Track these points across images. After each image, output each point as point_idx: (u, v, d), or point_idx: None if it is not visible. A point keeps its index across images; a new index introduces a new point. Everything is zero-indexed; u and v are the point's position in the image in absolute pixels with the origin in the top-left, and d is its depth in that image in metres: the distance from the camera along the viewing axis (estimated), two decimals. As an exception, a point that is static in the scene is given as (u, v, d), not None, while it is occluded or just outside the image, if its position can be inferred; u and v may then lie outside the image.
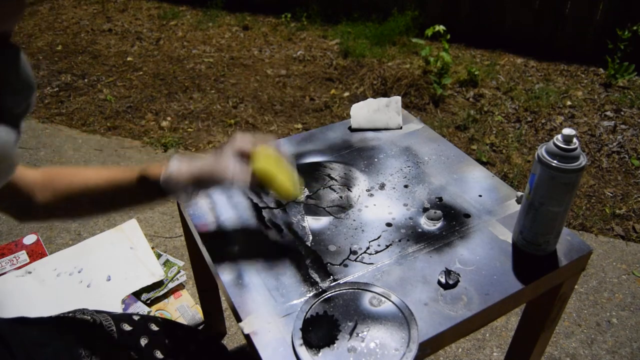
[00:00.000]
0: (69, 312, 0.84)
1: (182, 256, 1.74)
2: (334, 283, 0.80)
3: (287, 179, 0.79)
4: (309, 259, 0.85)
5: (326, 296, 0.77)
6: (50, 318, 0.82)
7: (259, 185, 0.79)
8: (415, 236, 0.90)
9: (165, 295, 1.56)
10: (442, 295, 0.78)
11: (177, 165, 0.77)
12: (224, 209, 0.97)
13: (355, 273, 0.82)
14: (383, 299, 0.76)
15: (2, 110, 0.44)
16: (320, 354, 0.69)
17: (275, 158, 0.80)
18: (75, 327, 0.81)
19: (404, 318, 0.73)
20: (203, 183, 0.78)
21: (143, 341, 0.84)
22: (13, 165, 0.46)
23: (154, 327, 0.88)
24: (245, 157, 0.79)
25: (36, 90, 0.50)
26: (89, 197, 0.79)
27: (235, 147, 0.78)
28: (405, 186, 1.02)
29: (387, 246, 0.88)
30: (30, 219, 0.81)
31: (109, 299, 1.50)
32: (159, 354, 0.83)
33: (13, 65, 0.44)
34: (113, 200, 0.81)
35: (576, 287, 1.65)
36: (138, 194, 0.80)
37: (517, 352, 1.12)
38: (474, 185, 1.02)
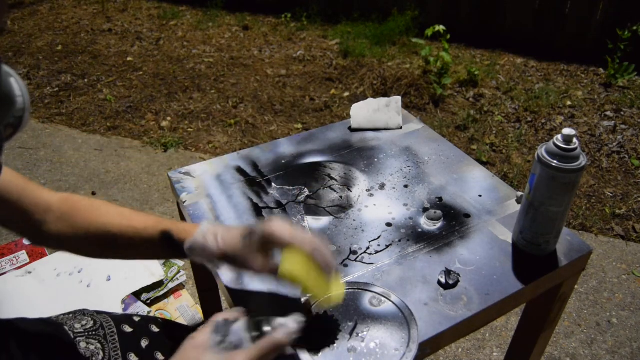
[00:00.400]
0: (69, 313, 0.84)
1: (182, 256, 1.74)
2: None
3: (318, 283, 0.67)
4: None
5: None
6: (49, 319, 0.82)
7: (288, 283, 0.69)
8: (415, 236, 0.90)
9: (165, 295, 1.56)
10: (442, 295, 0.78)
11: (205, 235, 0.71)
12: (224, 209, 0.97)
13: (355, 273, 0.82)
14: (383, 299, 0.76)
15: None
16: (320, 354, 0.69)
17: (304, 265, 0.66)
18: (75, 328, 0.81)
19: (404, 318, 0.73)
20: (228, 262, 0.72)
21: (144, 343, 0.83)
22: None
23: (155, 329, 0.88)
24: (272, 243, 0.69)
25: (21, 105, 0.45)
26: (107, 243, 0.75)
27: (269, 233, 0.68)
28: (405, 186, 1.02)
29: (387, 246, 0.88)
30: (40, 243, 0.79)
31: (109, 299, 1.50)
32: (159, 356, 0.83)
33: None
34: (130, 250, 0.76)
35: (576, 287, 1.65)
36: (157, 249, 0.75)
37: (517, 352, 1.12)
38: (474, 185, 1.02)
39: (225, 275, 0.82)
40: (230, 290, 0.80)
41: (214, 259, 0.71)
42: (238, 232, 0.71)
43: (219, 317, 0.62)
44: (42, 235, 0.75)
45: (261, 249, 0.69)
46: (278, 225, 0.68)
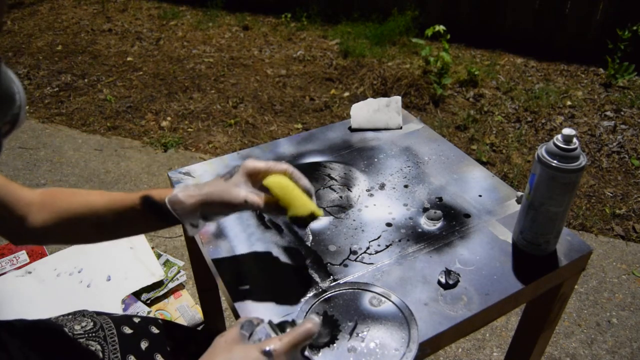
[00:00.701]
0: (68, 314, 0.84)
1: (182, 256, 1.74)
2: (334, 283, 0.80)
3: (304, 196, 0.73)
4: (309, 259, 0.85)
5: (326, 296, 0.77)
6: (49, 320, 0.82)
7: (274, 206, 0.73)
8: (415, 236, 0.90)
9: (165, 295, 1.56)
10: (442, 295, 0.78)
11: (184, 189, 0.73)
12: (224, 209, 0.97)
13: (355, 273, 0.82)
14: (383, 299, 0.76)
15: None
16: (320, 354, 0.69)
17: (288, 179, 0.74)
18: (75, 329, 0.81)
19: (404, 318, 0.73)
20: (212, 207, 0.72)
21: (144, 344, 0.83)
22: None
23: (155, 330, 0.88)
24: (256, 178, 0.74)
25: (20, 103, 0.46)
26: (89, 220, 0.75)
27: (247, 167, 0.73)
28: (405, 186, 1.02)
29: (387, 246, 0.87)
30: (23, 241, 0.78)
31: (109, 299, 1.50)
32: (159, 357, 0.83)
33: None
34: (115, 224, 0.76)
35: (576, 287, 1.65)
36: (141, 218, 0.75)
37: (517, 352, 1.12)
38: (474, 185, 1.02)
39: (226, 275, 0.82)
40: (230, 290, 0.80)
41: (196, 211, 0.72)
42: (216, 178, 0.75)
43: (243, 319, 0.64)
44: (25, 231, 0.74)
45: (243, 186, 0.73)
46: (253, 160, 0.74)
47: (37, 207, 0.74)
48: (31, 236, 0.76)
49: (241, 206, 0.72)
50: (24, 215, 0.73)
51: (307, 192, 0.75)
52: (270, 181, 0.73)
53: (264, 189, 0.75)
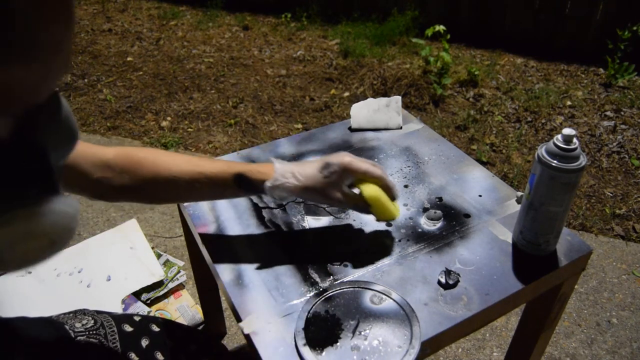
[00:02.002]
0: (69, 312, 0.84)
1: (182, 256, 1.74)
2: (335, 282, 0.80)
3: (392, 205, 0.82)
4: (309, 259, 0.85)
5: (327, 295, 0.77)
6: (49, 318, 0.82)
7: (362, 207, 0.82)
8: (415, 236, 0.90)
9: (165, 295, 1.56)
10: (442, 295, 0.78)
11: (284, 174, 0.77)
12: (224, 209, 0.97)
13: (355, 273, 0.82)
14: (384, 296, 0.77)
15: (53, 175, 0.41)
16: (323, 353, 0.69)
17: (380, 190, 0.81)
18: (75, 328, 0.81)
19: (405, 315, 0.74)
20: (307, 197, 0.80)
21: (144, 342, 0.83)
22: (74, 233, 0.44)
23: (155, 328, 0.88)
24: (350, 174, 0.79)
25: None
26: (176, 189, 0.79)
27: (346, 167, 0.78)
28: (405, 186, 1.02)
29: (387, 246, 0.88)
30: (102, 198, 0.81)
31: (109, 299, 1.50)
32: (159, 356, 0.83)
33: (54, 116, 0.41)
34: (201, 193, 0.82)
35: (576, 287, 1.65)
36: (229, 191, 0.81)
37: (517, 352, 1.12)
38: (474, 185, 1.02)
39: (226, 275, 0.83)
40: (230, 290, 0.80)
41: (293, 194, 0.79)
42: (314, 167, 0.79)
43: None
44: (104, 191, 0.77)
45: (337, 180, 0.78)
46: (352, 158, 0.79)
47: (116, 171, 0.76)
48: (109, 196, 0.79)
49: (335, 206, 0.81)
50: (101, 178, 0.75)
51: (394, 198, 0.83)
52: (367, 192, 0.80)
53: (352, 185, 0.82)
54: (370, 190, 0.79)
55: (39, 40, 0.33)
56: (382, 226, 0.92)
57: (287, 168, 0.79)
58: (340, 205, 0.81)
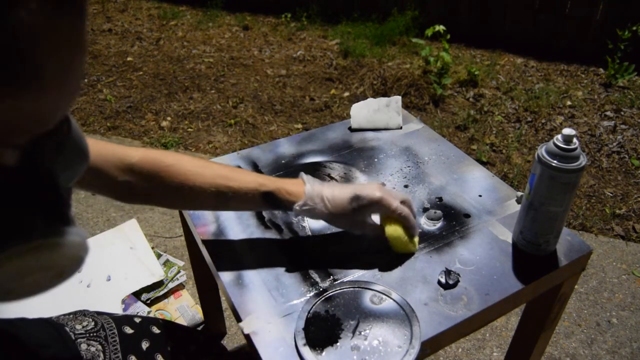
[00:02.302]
0: (69, 314, 0.84)
1: (182, 256, 1.74)
2: (335, 282, 0.80)
3: (410, 244, 0.84)
4: (309, 259, 0.85)
5: (327, 295, 0.77)
6: (49, 319, 0.82)
7: (381, 239, 0.83)
8: (416, 236, 0.90)
9: (165, 295, 1.56)
10: (442, 295, 0.78)
11: (313, 199, 0.78)
12: (224, 209, 0.97)
13: (355, 273, 0.82)
14: (384, 296, 0.77)
15: (62, 205, 0.40)
16: (323, 353, 0.69)
17: (402, 230, 0.82)
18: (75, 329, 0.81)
19: (405, 315, 0.74)
20: (334, 223, 0.82)
21: (144, 345, 0.83)
22: (83, 262, 0.42)
23: (156, 330, 0.88)
24: (378, 209, 0.81)
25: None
26: (200, 201, 0.79)
27: (376, 202, 0.79)
28: (405, 186, 1.02)
29: (387, 246, 0.87)
30: (129, 201, 0.81)
31: (109, 299, 1.50)
32: (160, 358, 0.83)
33: (63, 140, 0.40)
34: (226, 206, 0.84)
35: (576, 287, 1.65)
36: (255, 206, 0.82)
37: (517, 352, 1.12)
38: (474, 185, 1.02)
39: (226, 275, 0.83)
40: (230, 290, 0.80)
41: (320, 218, 0.81)
42: (344, 197, 0.79)
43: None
44: (129, 194, 0.78)
45: (364, 210, 0.80)
46: (383, 194, 0.79)
47: (141, 176, 0.76)
48: (134, 199, 0.80)
49: (354, 232, 0.83)
50: (126, 181, 0.75)
51: (414, 235, 0.84)
52: (389, 232, 0.82)
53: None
54: (392, 230, 0.81)
55: (46, 69, 0.31)
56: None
57: (316, 191, 0.78)
58: (361, 232, 0.84)
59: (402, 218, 0.81)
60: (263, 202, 0.79)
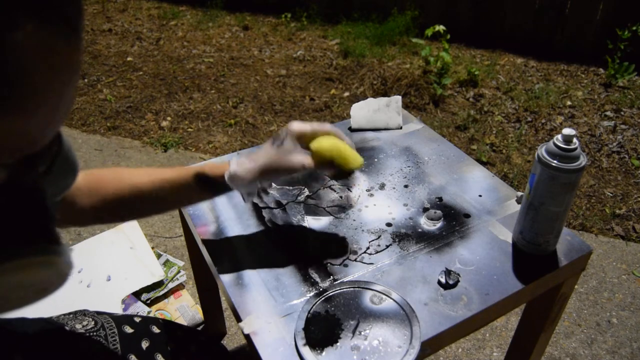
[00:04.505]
0: (69, 313, 0.84)
1: (182, 256, 1.74)
2: (335, 282, 0.80)
3: (353, 151, 0.80)
4: (309, 259, 0.85)
5: (327, 295, 0.77)
6: (49, 319, 0.82)
7: (327, 165, 0.79)
8: (415, 236, 0.90)
9: (165, 295, 1.56)
10: (442, 295, 0.78)
11: (240, 163, 0.77)
12: (224, 209, 0.97)
13: (355, 273, 0.82)
14: (384, 296, 0.77)
15: (49, 223, 0.40)
16: (323, 353, 0.69)
17: (337, 140, 0.80)
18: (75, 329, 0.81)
19: (405, 315, 0.74)
20: (270, 175, 0.78)
21: (144, 344, 0.83)
22: (68, 278, 0.42)
23: (155, 330, 0.88)
24: (302, 140, 0.79)
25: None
26: (141, 200, 0.79)
27: (294, 131, 0.77)
28: (405, 186, 1.02)
29: (387, 246, 0.88)
30: (72, 224, 0.80)
31: (109, 299, 1.50)
32: (160, 357, 0.83)
33: (54, 157, 0.40)
34: (165, 203, 0.82)
35: (576, 287, 1.65)
36: (194, 194, 0.80)
37: (517, 352, 1.12)
38: (474, 185, 1.02)
39: (226, 275, 0.83)
40: (230, 290, 0.80)
41: (254, 181, 0.78)
42: (265, 146, 0.78)
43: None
44: (76, 214, 0.77)
45: (296, 152, 0.77)
46: (298, 123, 0.78)
47: (85, 192, 0.75)
48: (81, 220, 0.79)
49: (298, 171, 0.78)
50: (72, 202, 0.74)
51: (348, 142, 0.82)
52: (324, 145, 0.78)
53: (307, 149, 0.80)
54: (324, 141, 0.78)
55: (40, 90, 0.31)
56: (382, 226, 0.92)
57: (242, 158, 0.78)
58: (306, 170, 0.78)
59: (328, 132, 0.79)
60: (198, 185, 0.78)
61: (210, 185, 0.79)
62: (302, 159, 0.77)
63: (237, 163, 0.77)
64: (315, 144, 0.78)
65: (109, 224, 1.88)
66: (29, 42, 0.29)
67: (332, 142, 0.78)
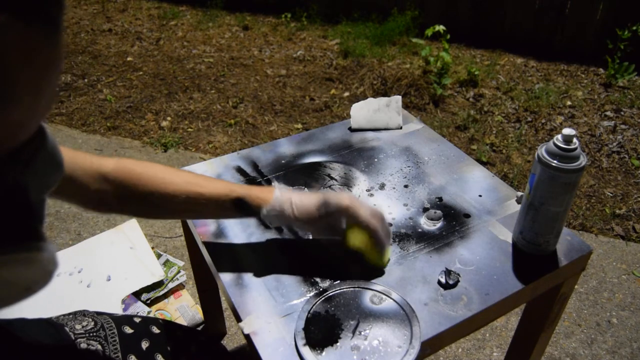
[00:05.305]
0: (69, 314, 0.84)
1: (182, 256, 1.74)
2: (335, 282, 0.80)
3: (376, 257, 0.82)
4: (309, 259, 0.85)
5: (327, 295, 0.77)
6: (49, 319, 0.82)
7: (352, 250, 0.81)
8: (415, 236, 0.90)
9: (165, 295, 1.56)
10: (442, 295, 0.78)
11: (282, 204, 0.77)
12: (224, 209, 0.97)
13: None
14: (384, 296, 0.77)
15: (32, 220, 0.39)
16: (323, 353, 0.69)
17: (368, 238, 0.80)
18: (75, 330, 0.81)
19: (405, 315, 0.74)
20: (302, 229, 0.83)
21: (144, 344, 0.83)
22: (52, 276, 0.42)
23: (155, 330, 0.88)
24: (346, 217, 0.79)
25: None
26: (171, 210, 0.79)
27: (344, 210, 0.78)
28: (405, 186, 1.02)
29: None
30: (104, 211, 0.80)
31: (109, 299, 1.50)
32: (160, 358, 0.83)
33: (36, 152, 0.39)
34: (195, 212, 0.83)
35: (576, 287, 1.65)
36: (228, 212, 0.81)
37: (517, 352, 1.12)
38: (474, 185, 1.02)
39: (226, 275, 0.83)
40: (230, 290, 0.80)
41: (288, 223, 0.81)
42: (312, 202, 0.78)
43: None
44: (100, 203, 0.77)
45: (331, 218, 0.78)
46: (351, 202, 0.77)
47: (114, 185, 0.76)
48: (110, 208, 0.79)
49: (324, 244, 0.84)
50: (99, 190, 0.75)
51: (383, 247, 0.82)
52: (352, 242, 0.80)
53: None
54: (354, 239, 0.79)
55: (18, 83, 0.30)
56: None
57: (285, 197, 0.78)
58: (327, 241, 0.83)
59: (369, 230, 0.78)
60: (233, 208, 0.78)
61: (246, 212, 0.79)
62: (330, 234, 0.81)
63: (279, 203, 0.77)
64: (351, 236, 0.79)
65: (109, 225, 1.88)
66: (3, 33, 0.28)
67: (361, 243, 0.80)
